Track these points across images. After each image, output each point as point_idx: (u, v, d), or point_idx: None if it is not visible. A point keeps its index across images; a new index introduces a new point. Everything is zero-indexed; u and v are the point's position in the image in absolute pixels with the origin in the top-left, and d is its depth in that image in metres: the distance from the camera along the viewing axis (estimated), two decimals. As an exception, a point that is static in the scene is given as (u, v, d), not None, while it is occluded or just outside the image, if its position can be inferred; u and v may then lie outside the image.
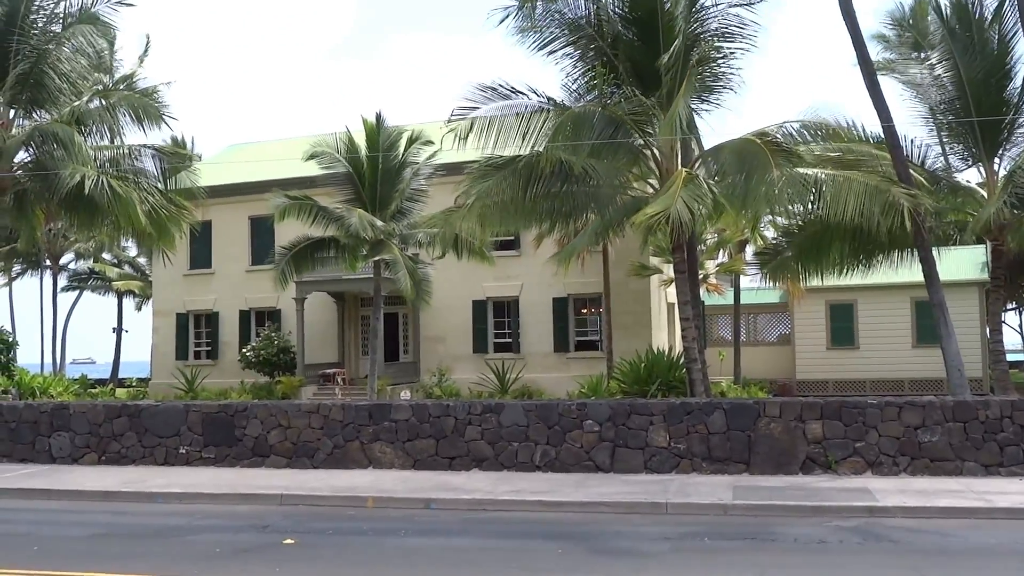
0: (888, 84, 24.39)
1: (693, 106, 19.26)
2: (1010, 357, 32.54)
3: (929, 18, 23.40)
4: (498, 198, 18.56)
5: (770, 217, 27.32)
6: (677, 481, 14.65)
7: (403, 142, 26.23)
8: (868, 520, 12.12)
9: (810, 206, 18.54)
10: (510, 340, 33.36)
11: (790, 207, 20.28)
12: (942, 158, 22.53)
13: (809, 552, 10.46)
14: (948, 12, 21.65)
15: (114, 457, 17.74)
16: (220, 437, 17.29)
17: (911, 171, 19.12)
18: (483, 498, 13.78)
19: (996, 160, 22.15)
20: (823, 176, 17.83)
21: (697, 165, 19.30)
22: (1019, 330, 56.03)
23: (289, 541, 11.31)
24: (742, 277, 33.41)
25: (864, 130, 22.96)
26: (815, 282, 25.04)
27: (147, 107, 26.21)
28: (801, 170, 17.50)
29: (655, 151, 19.59)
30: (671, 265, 31.31)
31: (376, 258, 25.20)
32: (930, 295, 18.26)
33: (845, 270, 22.38)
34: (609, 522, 12.36)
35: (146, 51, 43.09)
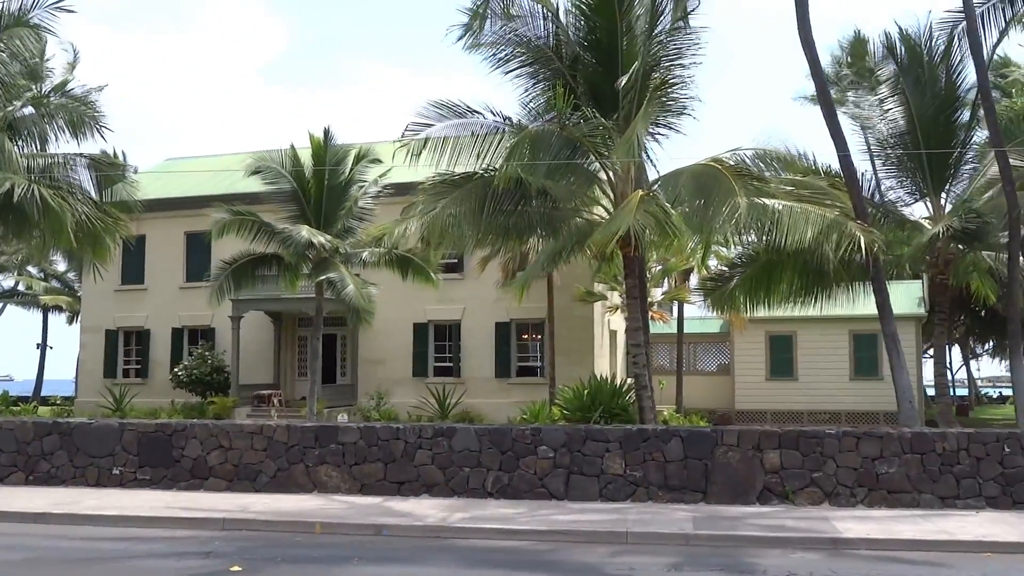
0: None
1: (650, 130, 19.14)
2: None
3: (878, 55, 23.71)
4: (454, 212, 18.16)
5: (718, 246, 27.33)
6: (634, 510, 14.31)
7: (350, 159, 25.72)
8: (832, 552, 11.90)
9: (768, 235, 18.49)
10: (451, 364, 32.86)
11: (744, 236, 20.31)
12: (891, 191, 22.76)
13: (782, 584, 10.19)
14: (900, 48, 21.94)
15: (43, 477, 16.83)
16: (157, 458, 16.51)
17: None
18: (437, 524, 13.29)
19: (943, 195, 22.44)
20: (780, 207, 17.76)
21: (654, 188, 19.12)
22: (948, 366, 56.96)
23: (236, 568, 10.69)
24: (686, 306, 33.47)
25: (815, 161, 23.16)
26: (760, 312, 25.04)
27: (84, 114, 25.38)
28: (762, 200, 17.43)
29: (610, 174, 19.41)
30: (615, 292, 31.54)
31: (322, 277, 24.55)
32: (883, 326, 18.27)
33: (796, 301, 22.36)
34: (569, 551, 11.95)
35: (75, 60, 41.94)
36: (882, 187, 23.14)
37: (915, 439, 14.71)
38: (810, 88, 39.94)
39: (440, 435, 15.74)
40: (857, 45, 30.36)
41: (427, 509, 14.35)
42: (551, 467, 15.33)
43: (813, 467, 14.75)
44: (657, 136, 19.82)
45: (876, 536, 12.40)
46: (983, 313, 33.46)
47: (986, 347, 49.59)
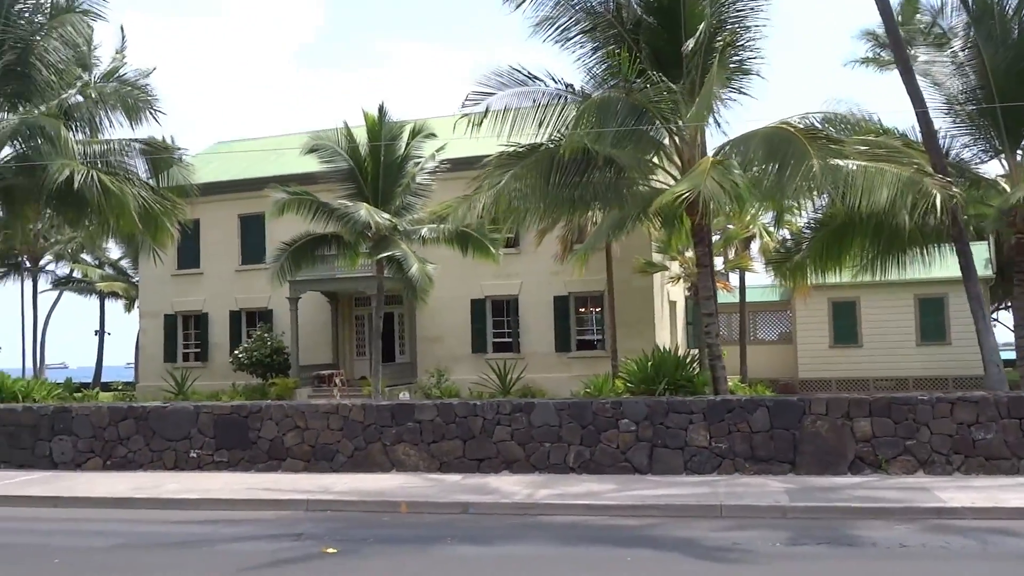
0: (896, 77, 23.70)
1: (719, 93, 18.61)
2: (1005, 355, 32.24)
3: (948, 8, 22.88)
4: (519, 186, 17.82)
5: (788, 213, 26.76)
6: (723, 482, 13.96)
7: (405, 135, 25.41)
8: (938, 522, 11.44)
9: (842, 198, 17.94)
10: (510, 340, 32.61)
11: (817, 200, 19.79)
12: (966, 150, 22.01)
13: (900, 557, 9.80)
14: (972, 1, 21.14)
15: (120, 462, 16.82)
16: (233, 440, 16.42)
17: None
18: (523, 502, 13.02)
19: (1020, 152, 21.66)
20: (854, 167, 17.21)
21: (724, 153, 18.63)
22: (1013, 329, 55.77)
23: (331, 550, 10.49)
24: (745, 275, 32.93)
25: (881, 124, 22.48)
26: (831, 279, 24.49)
27: (137, 99, 25.33)
28: (835, 160, 16.90)
29: (676, 140, 18.96)
30: (676, 262, 31.08)
31: (384, 254, 24.30)
32: (967, 288, 17.69)
33: (869, 268, 21.76)
34: (664, 526, 11.63)
35: (124, 44, 41.96)
36: (954, 146, 22.37)
37: (1012, 403, 14.17)
38: (861, 52, 39.06)
39: (519, 411, 15.47)
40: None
41: (511, 486, 14.10)
42: (634, 440, 15.02)
43: (906, 435, 14.29)
44: (724, 100, 19.31)
45: (982, 505, 11.93)
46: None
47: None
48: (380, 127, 24.87)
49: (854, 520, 11.68)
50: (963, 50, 21.58)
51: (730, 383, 29.08)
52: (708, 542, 10.55)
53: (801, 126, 18.42)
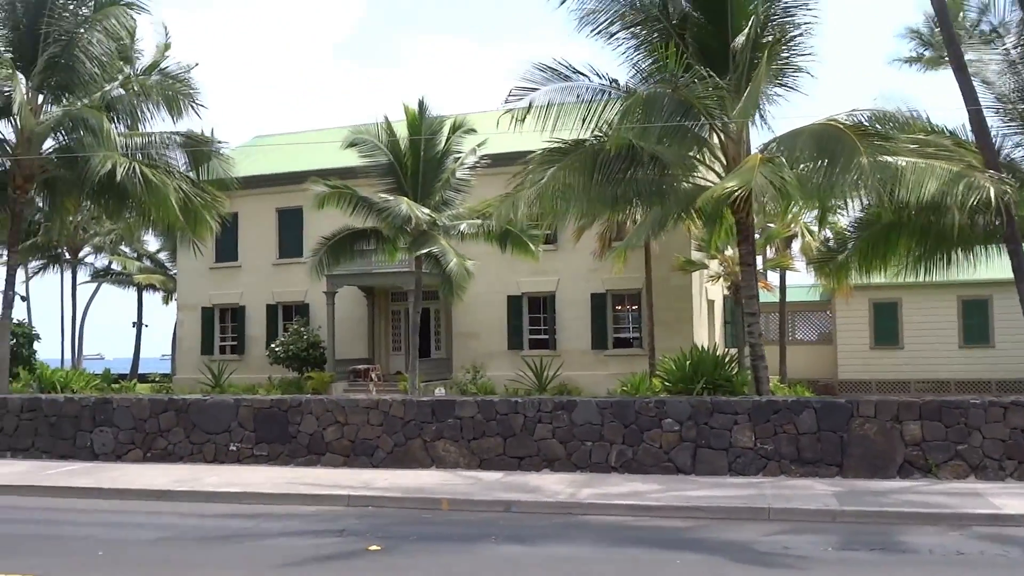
0: (941, 76, 23.20)
1: (766, 90, 18.36)
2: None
3: (1001, 5, 22.43)
4: (562, 183, 17.65)
5: (833, 212, 26.33)
6: (768, 484, 13.72)
7: (446, 130, 25.32)
8: (994, 530, 11.15)
9: (891, 194, 17.61)
10: (546, 336, 32.45)
11: (865, 198, 19.45)
12: (1018, 149, 21.58)
13: (959, 565, 9.53)
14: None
15: (160, 454, 16.83)
16: (273, 434, 16.37)
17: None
18: (567, 501, 12.86)
19: (1074, 152, 21.21)
20: (904, 163, 16.89)
21: (770, 150, 18.36)
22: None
23: (375, 547, 10.38)
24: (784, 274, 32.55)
25: (930, 122, 22.07)
26: (874, 279, 24.14)
27: (179, 92, 25.35)
28: (884, 157, 16.59)
29: (721, 137, 18.71)
30: (715, 260, 30.76)
31: (423, 250, 24.23)
32: (1019, 290, 17.27)
33: (914, 269, 21.41)
34: (710, 528, 11.44)
35: (167, 38, 42.18)
36: (1006, 146, 21.94)
37: (1068, 408, 13.83)
38: (904, 52, 38.46)
39: (560, 408, 15.30)
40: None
41: (553, 484, 13.95)
42: (677, 440, 14.81)
43: (957, 439, 13.98)
44: (771, 96, 19.03)
45: (1039, 512, 11.65)
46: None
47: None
48: (420, 122, 24.81)
49: (906, 526, 11.42)
50: (1016, 47, 21.18)
51: (770, 383, 28.87)
52: (758, 546, 10.34)
53: (849, 123, 18.17)
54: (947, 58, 24.63)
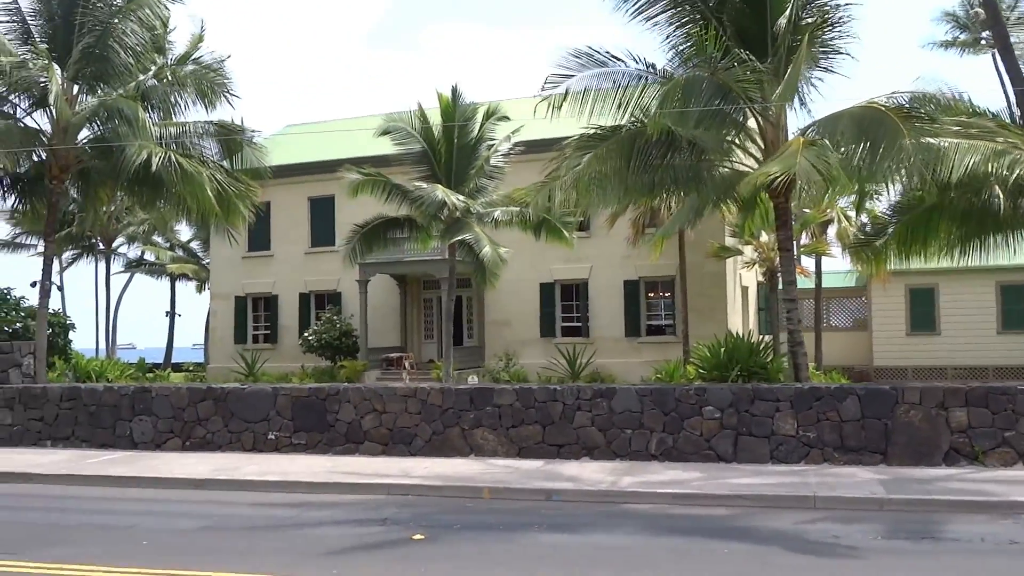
0: (979, 60, 22.99)
1: (806, 72, 18.08)
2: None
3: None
4: (598, 169, 17.48)
5: (872, 197, 26.01)
6: (812, 472, 13.56)
7: (479, 117, 25.16)
8: (1047, 518, 10.98)
9: (934, 174, 17.32)
10: (579, 324, 32.28)
11: (906, 181, 19.17)
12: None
13: (1014, 554, 9.33)
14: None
15: (199, 443, 16.90)
16: (311, 422, 16.38)
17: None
18: (608, 489, 12.76)
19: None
20: (946, 144, 16.62)
21: (810, 133, 18.10)
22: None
23: (419, 536, 10.33)
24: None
25: (972, 104, 21.71)
26: (913, 264, 23.79)
27: (213, 82, 25.34)
28: (927, 139, 16.32)
29: (760, 121, 18.47)
30: (750, 247, 30.46)
31: (457, 237, 24.12)
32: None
33: (954, 253, 21.08)
34: (754, 516, 11.30)
35: (202, 27, 42.25)
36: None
37: (1119, 395, 13.57)
38: (937, 35, 37.92)
39: (600, 396, 15.20)
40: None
41: (593, 473, 13.85)
42: (718, 428, 14.68)
43: (1004, 426, 13.76)
44: (811, 80, 18.75)
45: (1092, 500, 11.43)
46: None
47: None
48: (454, 109, 24.63)
49: (954, 514, 11.25)
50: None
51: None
52: (806, 535, 10.20)
53: (890, 105, 17.89)
54: (984, 40, 24.22)
